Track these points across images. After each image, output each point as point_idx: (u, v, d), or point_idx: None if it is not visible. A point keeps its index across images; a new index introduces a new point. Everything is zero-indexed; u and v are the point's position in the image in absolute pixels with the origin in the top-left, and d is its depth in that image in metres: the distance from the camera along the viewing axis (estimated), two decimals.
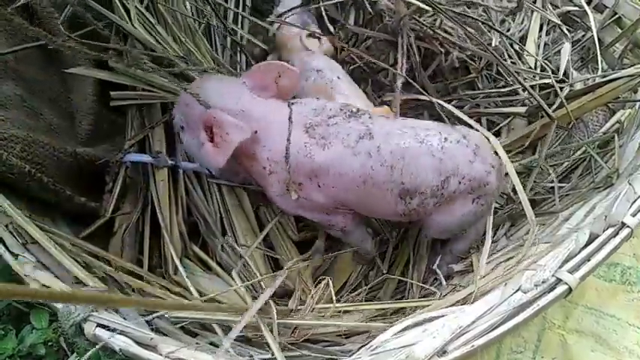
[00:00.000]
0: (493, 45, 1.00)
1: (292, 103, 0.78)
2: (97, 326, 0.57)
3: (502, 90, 1.03)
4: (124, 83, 0.94)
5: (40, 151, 0.77)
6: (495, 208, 0.96)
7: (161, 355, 0.55)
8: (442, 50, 1.00)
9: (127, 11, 0.98)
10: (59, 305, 0.58)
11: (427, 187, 0.74)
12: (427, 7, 0.95)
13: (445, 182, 0.74)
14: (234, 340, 0.68)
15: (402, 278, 0.88)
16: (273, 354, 0.66)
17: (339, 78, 0.91)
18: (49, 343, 0.88)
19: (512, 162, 0.95)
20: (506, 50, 1.09)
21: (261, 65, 0.79)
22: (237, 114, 0.73)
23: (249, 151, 0.75)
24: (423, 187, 0.74)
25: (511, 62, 1.08)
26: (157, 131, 0.94)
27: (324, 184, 0.75)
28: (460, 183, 0.75)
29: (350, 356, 0.59)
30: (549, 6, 1.16)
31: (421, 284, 0.86)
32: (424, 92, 0.96)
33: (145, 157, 0.91)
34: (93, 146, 0.91)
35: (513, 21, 1.16)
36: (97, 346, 0.56)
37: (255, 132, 0.73)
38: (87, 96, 0.95)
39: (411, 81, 0.95)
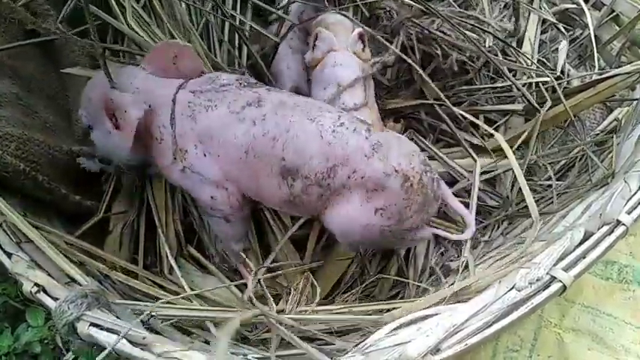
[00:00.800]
0: (487, 45, 1.00)
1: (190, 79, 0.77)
2: (90, 325, 0.56)
3: (498, 86, 1.03)
4: None
5: (35, 149, 0.77)
6: (491, 207, 0.96)
7: (154, 354, 0.55)
8: (439, 53, 0.99)
9: (123, 10, 0.97)
10: (52, 304, 0.58)
11: (310, 170, 0.70)
12: (426, 11, 0.96)
13: (332, 171, 0.69)
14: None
15: (396, 278, 0.87)
16: (268, 352, 0.67)
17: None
18: (45, 341, 0.88)
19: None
20: (504, 49, 1.09)
21: (158, 46, 0.80)
22: (132, 93, 0.73)
23: (148, 127, 0.74)
24: (306, 169, 0.70)
25: (509, 60, 1.08)
26: None
27: (210, 153, 0.73)
28: (350, 177, 0.70)
29: (343, 355, 0.59)
30: (544, 5, 1.16)
31: (417, 283, 0.86)
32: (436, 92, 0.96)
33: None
34: (88, 145, 0.90)
35: (510, 20, 1.16)
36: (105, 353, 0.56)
37: (149, 106, 0.72)
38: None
39: (419, 70, 0.95)
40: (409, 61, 0.94)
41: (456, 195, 0.86)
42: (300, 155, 0.70)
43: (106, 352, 0.53)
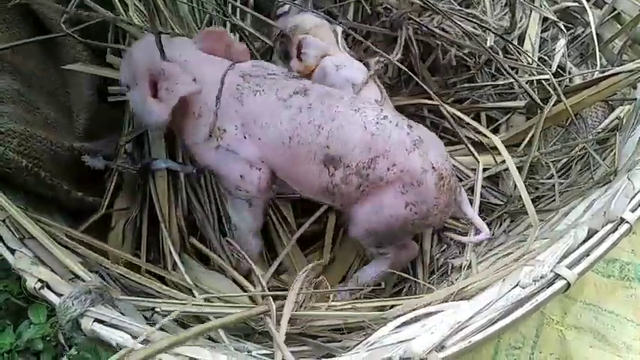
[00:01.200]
0: (488, 44, 1.00)
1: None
2: (94, 321, 0.56)
3: (500, 83, 1.03)
4: None
5: (38, 145, 0.77)
6: (494, 204, 0.96)
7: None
8: (438, 43, 0.99)
9: (126, 8, 0.97)
10: (56, 300, 0.58)
11: (352, 160, 0.71)
12: (427, 7, 0.96)
13: (373, 162, 0.71)
14: (232, 335, 0.69)
15: (401, 274, 0.87)
16: (271, 348, 0.67)
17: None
18: (47, 338, 0.88)
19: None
20: (506, 46, 1.09)
21: (215, 31, 0.82)
22: (179, 65, 0.73)
23: (188, 102, 0.74)
24: (348, 158, 0.71)
25: (510, 58, 1.08)
26: None
27: (250, 135, 0.74)
28: (389, 170, 0.71)
29: (347, 352, 0.59)
30: (546, 3, 1.16)
31: (420, 281, 0.86)
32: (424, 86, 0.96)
33: (171, 164, 0.90)
34: (90, 141, 0.90)
35: (512, 18, 1.16)
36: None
37: (194, 79, 0.74)
38: (85, 90, 0.94)
39: (412, 75, 0.95)
40: (397, 63, 0.94)
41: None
42: (344, 145, 0.71)
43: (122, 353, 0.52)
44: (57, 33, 0.90)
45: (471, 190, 0.94)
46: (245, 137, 0.74)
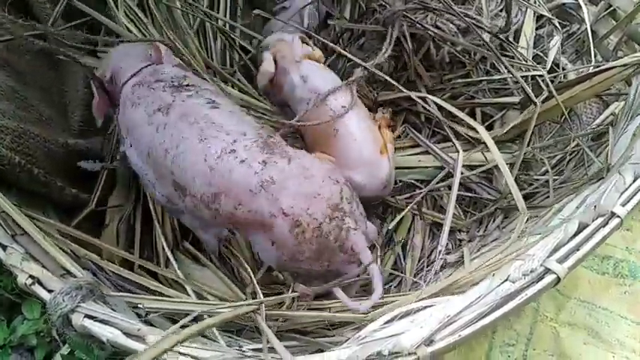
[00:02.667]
0: (482, 41, 1.00)
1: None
2: (84, 317, 0.56)
3: (495, 78, 1.03)
4: None
5: (31, 142, 0.77)
6: (488, 200, 0.96)
7: (149, 345, 0.55)
8: (432, 38, 0.99)
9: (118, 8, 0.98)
10: (47, 296, 0.58)
11: (196, 190, 0.68)
12: (421, 6, 0.96)
13: (216, 197, 0.67)
14: (223, 331, 0.69)
15: (391, 271, 0.87)
16: (262, 344, 0.67)
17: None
18: (41, 334, 0.88)
19: (505, 153, 0.96)
20: (501, 44, 1.09)
21: (155, 44, 0.86)
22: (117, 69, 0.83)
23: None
24: (191, 188, 0.69)
25: (506, 55, 1.08)
26: None
27: (132, 144, 0.76)
28: (237, 208, 0.66)
29: (338, 346, 0.59)
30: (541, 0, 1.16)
31: (412, 278, 0.86)
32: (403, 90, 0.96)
33: None
34: (85, 138, 0.91)
35: (507, 18, 1.16)
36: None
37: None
38: (79, 88, 0.95)
39: (387, 78, 0.95)
40: (376, 71, 0.95)
41: (449, 188, 0.86)
42: (184, 173, 0.69)
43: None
44: (50, 29, 0.91)
45: (462, 185, 0.95)
46: (131, 145, 0.77)
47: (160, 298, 0.67)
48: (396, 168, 0.91)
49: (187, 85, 0.76)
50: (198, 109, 0.72)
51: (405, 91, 0.95)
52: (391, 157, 0.86)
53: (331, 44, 1.00)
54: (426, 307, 0.58)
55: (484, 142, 0.92)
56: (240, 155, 0.66)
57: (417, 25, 0.96)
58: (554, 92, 0.89)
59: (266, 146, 0.68)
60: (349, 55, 0.97)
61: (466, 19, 0.94)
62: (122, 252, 0.80)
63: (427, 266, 0.89)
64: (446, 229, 0.86)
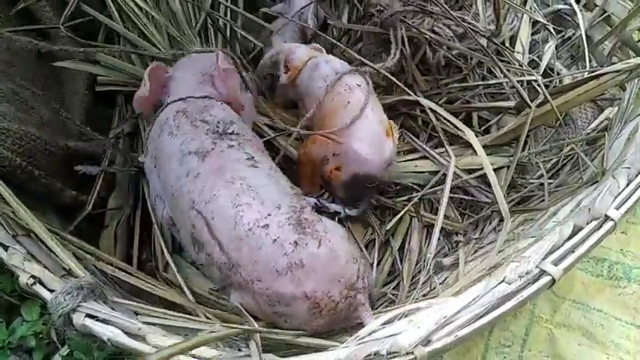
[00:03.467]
0: (478, 47, 1.01)
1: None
2: (85, 316, 0.57)
3: (490, 83, 1.05)
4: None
5: (32, 144, 0.78)
6: (484, 203, 0.97)
7: (149, 345, 0.55)
8: (428, 42, 1.01)
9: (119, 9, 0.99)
10: (48, 295, 0.58)
11: (213, 253, 0.67)
12: (419, 9, 0.97)
13: (236, 268, 0.65)
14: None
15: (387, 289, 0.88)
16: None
17: None
18: (40, 336, 0.88)
19: (501, 157, 0.97)
20: (497, 49, 1.10)
21: (229, 69, 0.84)
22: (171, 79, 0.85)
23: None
24: (209, 249, 0.67)
25: (502, 60, 1.09)
26: None
27: (156, 167, 0.77)
28: (254, 283, 0.65)
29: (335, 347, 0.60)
30: (536, 5, 1.17)
31: (406, 286, 0.86)
32: (408, 91, 0.98)
33: None
34: (85, 141, 0.91)
35: (504, 20, 1.17)
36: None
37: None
38: (79, 90, 0.96)
39: (395, 81, 0.96)
40: (386, 73, 0.96)
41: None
42: (207, 236, 0.67)
43: None
44: (53, 32, 0.92)
45: (459, 189, 0.96)
46: (155, 167, 0.76)
47: (158, 311, 0.66)
48: (393, 172, 0.92)
49: (231, 134, 0.74)
50: (236, 166, 0.70)
51: (411, 94, 0.96)
52: (395, 142, 0.88)
53: (338, 43, 1.00)
54: (423, 308, 0.59)
55: (493, 145, 0.94)
56: (272, 232, 0.65)
57: (414, 28, 0.98)
58: (549, 96, 0.90)
59: (299, 225, 0.66)
60: (357, 56, 0.97)
61: (463, 23, 0.95)
62: (121, 263, 0.80)
63: (424, 269, 0.90)
64: (436, 230, 0.87)
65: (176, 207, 0.71)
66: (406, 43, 0.98)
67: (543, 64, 1.07)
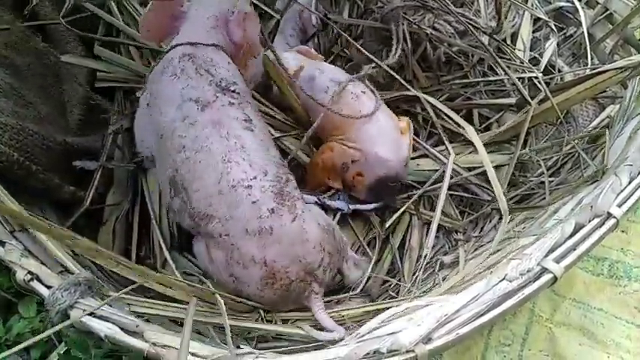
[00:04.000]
0: (479, 43, 1.01)
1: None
2: (83, 313, 0.56)
3: (491, 80, 1.04)
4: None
5: (29, 139, 0.77)
6: (485, 200, 0.96)
7: (147, 342, 0.55)
8: (428, 38, 1.00)
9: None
10: (46, 292, 0.58)
11: (190, 200, 0.68)
12: (420, 5, 0.97)
13: (209, 218, 0.67)
14: (221, 329, 0.69)
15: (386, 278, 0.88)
16: (261, 342, 0.68)
17: None
18: (37, 333, 0.88)
19: (502, 154, 0.97)
20: (498, 46, 1.10)
21: (246, 13, 0.82)
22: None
23: None
24: (187, 195, 0.68)
25: (503, 58, 1.09)
26: None
27: (149, 105, 0.77)
28: (222, 236, 0.67)
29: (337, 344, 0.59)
30: (536, 2, 1.17)
31: (407, 285, 0.85)
32: (408, 87, 0.97)
33: None
34: (83, 136, 0.91)
35: (506, 18, 1.16)
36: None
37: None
38: (78, 86, 0.95)
39: (397, 77, 0.96)
40: (388, 69, 0.95)
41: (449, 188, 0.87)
42: (190, 181, 0.68)
43: None
44: (52, 27, 0.91)
45: (460, 187, 0.95)
46: (148, 104, 0.76)
47: (156, 302, 0.66)
48: None
49: (233, 92, 0.74)
50: (234, 124, 0.70)
51: (411, 90, 0.95)
52: (410, 139, 0.91)
53: (350, 38, 1.00)
54: (424, 306, 0.59)
55: (493, 143, 0.94)
56: (253, 194, 0.66)
57: (415, 24, 0.97)
58: (549, 93, 0.89)
59: (280, 195, 0.68)
60: (363, 50, 0.97)
61: (463, 19, 0.95)
62: (120, 257, 0.79)
63: (423, 267, 0.89)
64: (433, 227, 0.87)
65: (163, 148, 0.72)
66: (408, 40, 0.97)
67: (544, 61, 1.07)
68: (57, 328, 0.55)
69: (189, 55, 0.75)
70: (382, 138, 0.88)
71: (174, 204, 0.71)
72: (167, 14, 0.80)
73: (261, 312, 0.72)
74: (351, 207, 0.90)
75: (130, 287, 0.60)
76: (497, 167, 0.98)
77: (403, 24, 0.97)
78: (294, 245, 0.67)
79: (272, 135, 0.86)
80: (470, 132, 0.92)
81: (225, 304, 0.60)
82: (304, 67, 0.95)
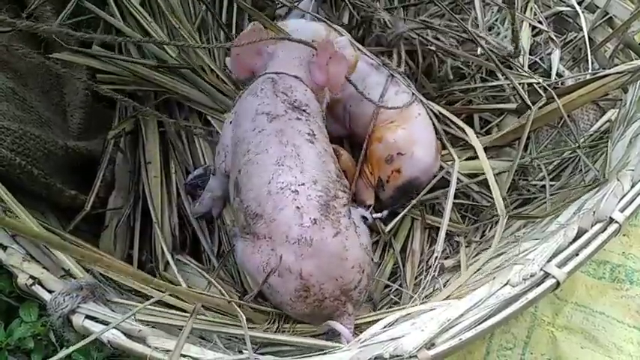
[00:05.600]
0: (479, 53, 1.01)
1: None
2: (85, 318, 0.56)
3: (492, 85, 1.04)
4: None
5: (31, 143, 0.77)
6: (485, 206, 0.96)
7: (150, 347, 0.55)
8: (434, 49, 1.00)
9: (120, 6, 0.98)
10: (47, 296, 0.58)
11: (246, 199, 0.70)
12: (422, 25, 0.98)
13: (256, 217, 0.69)
14: (223, 334, 0.69)
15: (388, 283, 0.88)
16: (262, 347, 0.68)
17: None
18: (38, 337, 0.88)
19: (503, 160, 0.97)
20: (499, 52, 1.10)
21: (328, 46, 0.82)
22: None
23: None
24: (243, 194, 0.71)
25: (502, 62, 1.08)
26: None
27: (232, 123, 0.81)
28: (265, 237, 0.69)
29: (339, 349, 0.59)
30: (535, 7, 1.17)
31: (409, 292, 0.85)
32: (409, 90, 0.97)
33: (201, 169, 0.93)
34: (85, 140, 0.91)
35: (503, 24, 1.16)
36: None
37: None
38: (79, 90, 0.95)
39: (400, 79, 0.96)
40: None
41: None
42: (245, 182, 0.71)
43: None
44: (52, 31, 0.91)
45: (462, 194, 0.95)
46: (231, 122, 0.80)
47: (158, 309, 0.66)
48: None
49: (304, 111, 0.77)
50: (296, 135, 0.73)
51: (416, 93, 0.95)
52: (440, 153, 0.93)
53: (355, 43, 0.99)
54: (427, 311, 0.59)
55: (494, 147, 0.95)
56: (299, 200, 0.67)
57: (419, 45, 0.99)
58: (555, 96, 0.90)
59: (325, 207, 0.68)
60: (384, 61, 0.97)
61: (479, 40, 0.95)
62: (120, 263, 0.78)
63: (425, 271, 0.89)
64: (441, 234, 0.86)
65: (235, 155, 0.76)
66: (420, 57, 1.00)
67: (554, 72, 1.06)
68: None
69: (271, 79, 0.79)
70: (421, 139, 0.90)
71: (234, 204, 0.74)
72: (254, 54, 0.84)
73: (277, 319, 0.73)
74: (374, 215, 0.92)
75: (150, 301, 0.59)
76: (498, 173, 0.98)
77: (415, 42, 0.98)
78: (332, 262, 0.67)
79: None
80: (470, 134, 0.92)
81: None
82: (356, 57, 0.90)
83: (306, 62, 0.83)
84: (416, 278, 0.88)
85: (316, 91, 0.83)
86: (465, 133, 0.95)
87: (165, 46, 0.95)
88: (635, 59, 1.05)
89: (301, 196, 0.68)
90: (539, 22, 1.16)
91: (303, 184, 0.68)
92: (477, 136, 1.00)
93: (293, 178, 0.69)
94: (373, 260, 0.75)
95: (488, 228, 0.95)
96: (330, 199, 0.70)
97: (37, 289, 0.59)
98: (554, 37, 1.15)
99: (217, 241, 0.90)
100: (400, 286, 0.86)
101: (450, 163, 0.93)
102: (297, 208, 0.67)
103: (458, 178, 0.94)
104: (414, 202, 0.93)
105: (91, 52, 0.92)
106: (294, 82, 0.80)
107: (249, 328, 0.62)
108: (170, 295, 0.71)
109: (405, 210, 0.93)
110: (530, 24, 1.15)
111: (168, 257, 0.82)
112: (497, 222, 0.93)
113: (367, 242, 0.75)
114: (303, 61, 0.84)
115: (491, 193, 0.97)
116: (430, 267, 0.89)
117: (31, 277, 0.59)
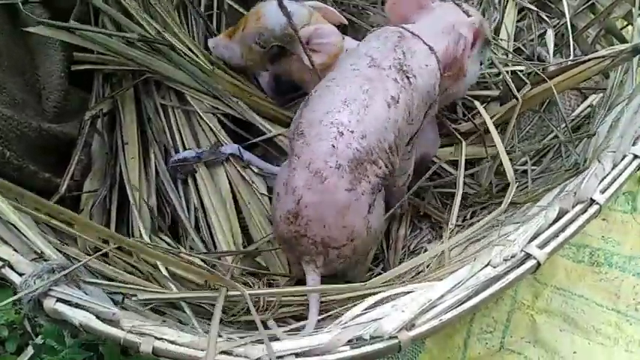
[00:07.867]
0: None
1: None
2: (57, 301, 0.55)
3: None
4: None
5: (3, 124, 0.75)
6: (468, 194, 0.96)
7: (124, 330, 0.53)
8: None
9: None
10: (18, 279, 0.56)
11: (300, 117, 0.73)
12: None
13: (299, 135, 0.71)
14: (201, 318, 0.68)
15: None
16: (244, 332, 0.66)
17: None
18: (13, 325, 0.86)
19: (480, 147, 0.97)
20: None
21: None
22: None
23: None
24: (302, 115, 0.73)
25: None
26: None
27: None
28: (297, 157, 0.70)
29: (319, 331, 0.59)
30: None
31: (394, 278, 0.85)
32: None
33: (188, 153, 0.89)
34: (60, 123, 0.88)
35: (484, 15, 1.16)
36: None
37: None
38: (55, 72, 0.92)
39: None
40: None
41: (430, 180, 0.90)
42: (313, 102, 0.73)
43: None
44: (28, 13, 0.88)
45: (439, 176, 0.95)
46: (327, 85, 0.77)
47: (143, 288, 0.65)
48: None
49: (407, 78, 0.74)
50: (379, 90, 0.71)
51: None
52: None
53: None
54: (407, 293, 0.58)
55: (473, 132, 0.95)
56: (339, 142, 0.68)
57: None
58: (547, 79, 0.90)
59: (357, 162, 0.68)
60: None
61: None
62: (97, 242, 0.77)
63: (408, 256, 0.89)
64: (455, 207, 0.87)
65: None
66: None
67: (550, 55, 1.07)
68: None
69: (400, 34, 0.78)
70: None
71: (296, 116, 0.75)
72: (414, 3, 0.83)
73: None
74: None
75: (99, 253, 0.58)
76: (479, 159, 0.98)
77: None
78: (329, 209, 0.68)
79: None
80: (483, 113, 0.93)
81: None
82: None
83: (456, 33, 0.79)
84: (400, 263, 0.87)
85: (446, 68, 0.79)
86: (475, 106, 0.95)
87: (144, 24, 0.92)
88: (616, 44, 1.05)
89: (344, 139, 0.68)
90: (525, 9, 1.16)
91: (352, 132, 0.68)
92: (461, 123, 1.01)
93: (347, 122, 0.68)
94: (372, 250, 0.76)
95: (468, 213, 0.95)
96: (367, 160, 0.69)
97: (7, 272, 0.56)
98: (545, 17, 1.15)
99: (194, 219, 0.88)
100: (383, 269, 0.86)
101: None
102: (333, 147, 0.67)
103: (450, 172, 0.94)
104: (412, 190, 0.92)
105: (68, 26, 0.88)
106: (424, 51, 0.77)
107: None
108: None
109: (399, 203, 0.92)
110: (514, 7, 1.15)
111: (146, 239, 0.80)
112: (481, 208, 0.94)
113: (375, 225, 0.73)
114: (453, 31, 0.80)
115: (475, 181, 0.97)
116: (413, 252, 0.89)
117: (1, 259, 0.57)
